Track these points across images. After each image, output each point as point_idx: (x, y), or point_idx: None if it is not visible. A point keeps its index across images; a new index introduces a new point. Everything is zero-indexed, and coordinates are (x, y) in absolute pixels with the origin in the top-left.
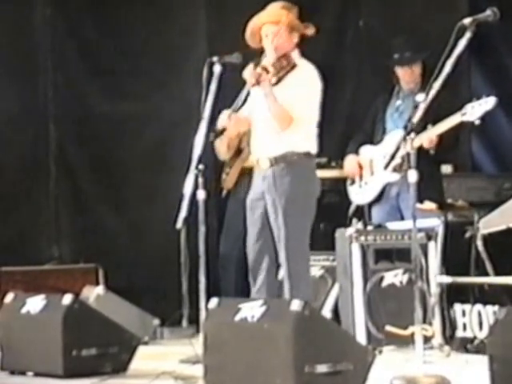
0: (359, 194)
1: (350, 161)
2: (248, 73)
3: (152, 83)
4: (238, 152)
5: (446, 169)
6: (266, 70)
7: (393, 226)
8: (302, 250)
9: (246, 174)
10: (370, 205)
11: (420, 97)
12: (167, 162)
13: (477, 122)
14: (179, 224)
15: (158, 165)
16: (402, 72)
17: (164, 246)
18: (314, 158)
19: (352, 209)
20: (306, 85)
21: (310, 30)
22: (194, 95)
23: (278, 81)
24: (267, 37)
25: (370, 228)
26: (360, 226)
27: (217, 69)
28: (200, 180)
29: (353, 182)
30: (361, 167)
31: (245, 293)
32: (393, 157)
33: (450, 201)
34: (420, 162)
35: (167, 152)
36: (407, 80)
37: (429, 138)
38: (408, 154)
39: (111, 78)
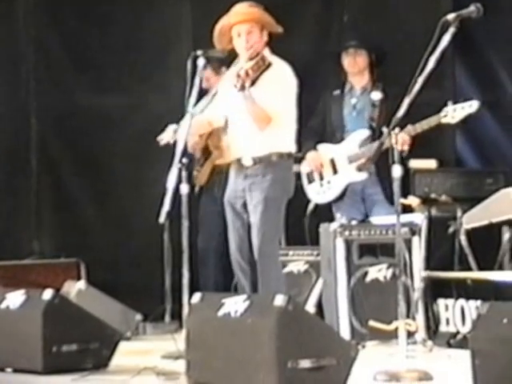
0: (320, 194)
1: (313, 157)
2: (233, 79)
3: (136, 76)
4: (207, 150)
5: (430, 164)
6: (247, 73)
7: (377, 220)
8: (273, 246)
9: (218, 172)
10: (330, 203)
11: (375, 95)
12: (150, 155)
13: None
14: (162, 218)
15: (141, 158)
16: (346, 61)
17: (147, 240)
18: (293, 158)
19: (310, 208)
20: (281, 83)
21: (280, 28)
22: (178, 89)
23: (254, 81)
24: (240, 36)
25: (354, 223)
26: (344, 220)
27: (201, 62)
28: (183, 174)
29: (310, 180)
30: (321, 165)
31: (224, 288)
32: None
33: (433, 196)
34: (383, 158)
35: (151, 146)
36: (350, 71)
37: (402, 138)
38: (392, 149)
39: (94, 70)
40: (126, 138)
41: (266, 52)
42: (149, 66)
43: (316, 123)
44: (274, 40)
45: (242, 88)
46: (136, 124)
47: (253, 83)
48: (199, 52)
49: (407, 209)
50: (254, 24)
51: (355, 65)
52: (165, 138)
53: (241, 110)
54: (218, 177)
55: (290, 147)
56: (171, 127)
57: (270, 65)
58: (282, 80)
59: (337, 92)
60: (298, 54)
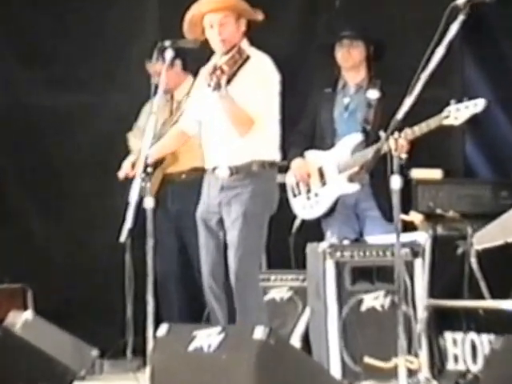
0: (307, 208)
1: (299, 165)
2: (207, 77)
3: (95, 71)
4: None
5: (435, 174)
6: (221, 70)
7: (373, 240)
8: (253, 270)
9: (171, 181)
10: (319, 219)
11: (372, 93)
12: (110, 163)
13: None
14: (123, 237)
15: (99, 167)
16: (339, 54)
17: (105, 262)
18: (276, 168)
19: (296, 224)
20: (262, 79)
21: (259, 15)
22: (143, 85)
23: (231, 77)
24: (212, 27)
25: (346, 242)
26: (335, 239)
27: (169, 54)
28: (148, 185)
29: (296, 193)
30: (308, 175)
31: (190, 318)
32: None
33: (439, 211)
34: (379, 167)
35: (111, 151)
36: (344, 65)
37: (400, 143)
38: (391, 157)
39: (46, 64)
40: (82, 143)
41: (244, 44)
42: (110, 60)
43: (304, 126)
44: (252, 30)
45: (218, 86)
46: (95, 126)
47: (229, 80)
48: (167, 42)
49: (408, 226)
50: (229, 13)
51: (350, 58)
52: (123, 171)
53: (217, 113)
54: (170, 187)
55: (274, 155)
56: (129, 159)
57: (247, 58)
58: (262, 75)
59: (328, 90)
60: (280, 46)
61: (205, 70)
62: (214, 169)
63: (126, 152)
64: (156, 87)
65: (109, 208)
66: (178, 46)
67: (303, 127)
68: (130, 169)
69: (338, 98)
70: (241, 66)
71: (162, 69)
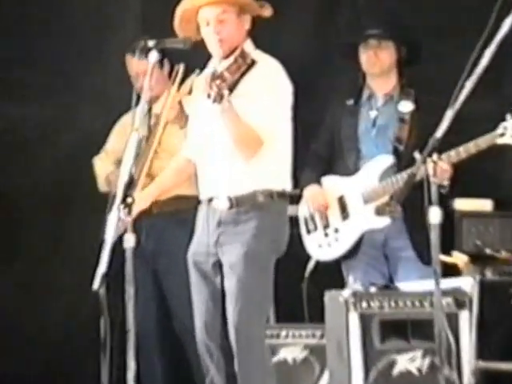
0: (324, 247)
1: (315, 194)
2: (206, 87)
3: (60, 78)
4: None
5: (484, 205)
6: (222, 78)
7: (406, 287)
8: (257, 324)
9: (144, 213)
10: (339, 260)
11: (404, 105)
12: (80, 191)
13: None
14: (97, 284)
15: (66, 197)
16: (364, 58)
17: (74, 315)
18: (287, 199)
19: (310, 267)
20: (270, 90)
21: (267, 11)
22: (120, 95)
23: (232, 87)
24: (209, 25)
25: (373, 290)
26: (359, 286)
27: (153, 57)
28: (128, 219)
29: (310, 228)
30: (325, 206)
31: None
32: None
33: (488, 251)
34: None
35: (81, 176)
36: (371, 71)
37: (441, 167)
38: (429, 184)
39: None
40: (46, 165)
41: (248, 45)
42: (79, 64)
43: (321, 146)
44: (258, 28)
45: (219, 97)
46: (61, 144)
47: (231, 90)
48: (151, 42)
49: (450, 270)
50: (229, 7)
51: (377, 62)
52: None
53: (216, 130)
54: (145, 219)
55: (284, 182)
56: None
57: (253, 63)
58: (270, 84)
59: (350, 102)
60: (292, 49)
61: (201, 79)
62: (210, 200)
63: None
64: (139, 97)
65: (77, 248)
66: (164, 47)
67: (320, 147)
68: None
69: (362, 111)
70: (244, 73)
71: (147, 71)
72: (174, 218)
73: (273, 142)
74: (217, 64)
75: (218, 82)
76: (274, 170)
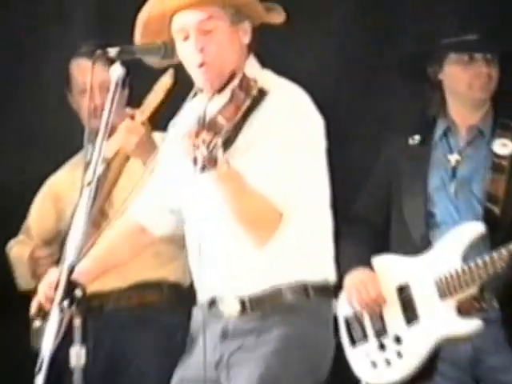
0: (380, 365)
1: (361, 281)
2: (188, 147)
3: None
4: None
5: None
6: (214, 128)
7: None
8: None
9: (94, 309)
10: None
11: (501, 145)
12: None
13: None
14: None
15: None
16: (467, 76)
17: None
18: (331, 294)
19: None
20: (293, 132)
21: (277, 15)
22: (66, 120)
23: (233, 137)
24: (188, 39)
25: None
26: None
27: (116, 72)
28: (77, 323)
29: (354, 338)
30: (379, 302)
31: None
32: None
33: None
34: None
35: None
36: (476, 95)
37: None
38: None
39: None
40: None
41: (252, 67)
42: (13, 81)
43: (366, 208)
44: (266, 40)
45: (212, 163)
46: None
47: (229, 143)
48: (113, 51)
49: None
50: (217, 10)
51: (489, 85)
52: (38, 300)
53: (210, 202)
54: (94, 316)
55: (324, 270)
56: (47, 278)
57: (262, 94)
58: (292, 123)
59: (415, 139)
60: (318, 67)
61: (181, 125)
62: (211, 302)
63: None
64: (95, 133)
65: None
66: (131, 58)
67: (366, 209)
68: (47, 296)
69: (435, 154)
70: (249, 111)
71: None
72: (136, 317)
73: (299, 212)
74: (204, 99)
75: (207, 137)
76: (307, 253)
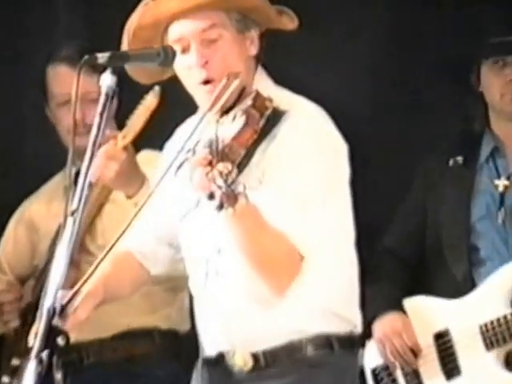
0: None
1: (391, 327)
2: (198, 183)
3: None
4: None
5: None
6: (230, 155)
7: None
8: None
9: (75, 364)
10: None
11: None
12: None
13: None
14: None
15: None
16: (494, 83)
17: None
18: (358, 346)
19: None
20: (313, 157)
21: (290, 21)
22: (45, 140)
23: (245, 162)
24: (187, 51)
25: None
26: None
27: (107, 81)
28: (58, 377)
29: None
30: (414, 351)
31: None
32: None
33: None
34: None
35: None
36: (506, 107)
37: None
38: None
39: None
40: None
41: (263, 82)
42: None
43: (398, 243)
44: (277, 52)
45: (233, 200)
46: None
47: (242, 167)
48: (102, 56)
49: None
50: (222, 16)
51: None
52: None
53: (218, 240)
54: (73, 377)
55: (350, 320)
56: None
57: (278, 114)
58: (313, 149)
59: (456, 161)
60: (343, 86)
61: (182, 149)
62: (219, 357)
63: None
64: (79, 153)
65: None
66: (123, 64)
67: (398, 244)
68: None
69: (480, 177)
70: (264, 134)
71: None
72: (123, 372)
73: (321, 253)
74: (213, 122)
75: (224, 168)
76: (330, 301)
